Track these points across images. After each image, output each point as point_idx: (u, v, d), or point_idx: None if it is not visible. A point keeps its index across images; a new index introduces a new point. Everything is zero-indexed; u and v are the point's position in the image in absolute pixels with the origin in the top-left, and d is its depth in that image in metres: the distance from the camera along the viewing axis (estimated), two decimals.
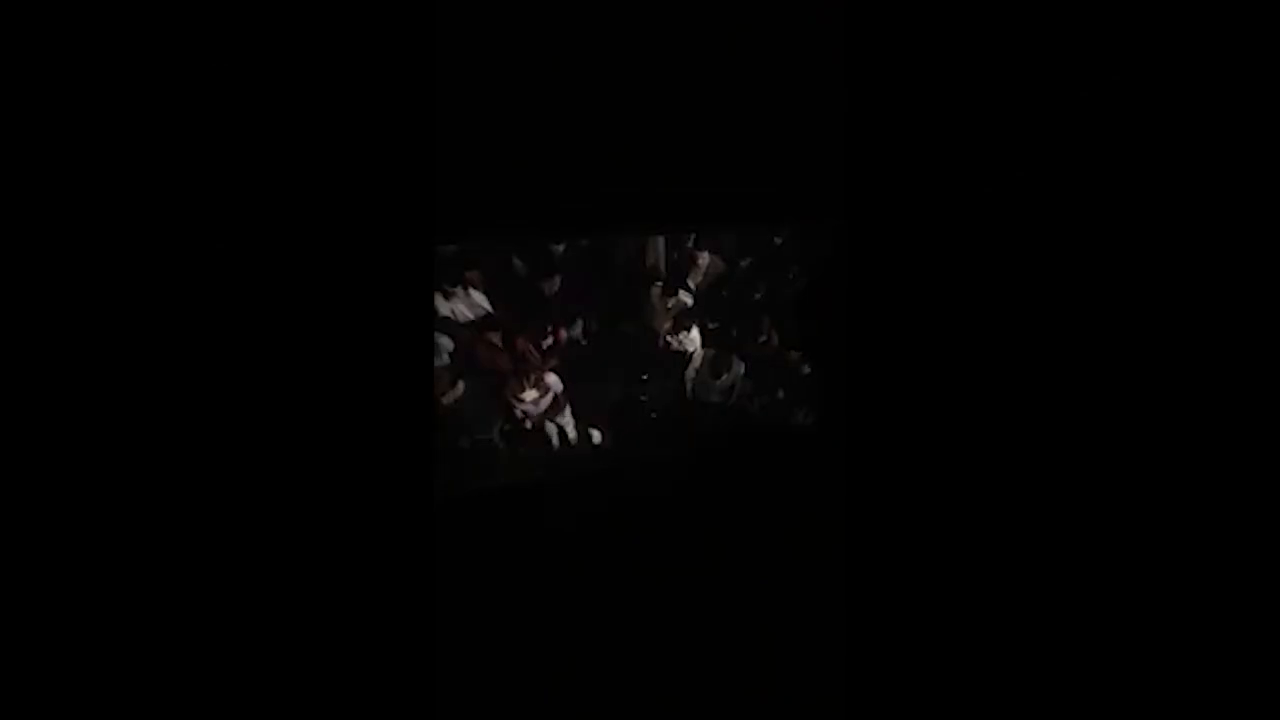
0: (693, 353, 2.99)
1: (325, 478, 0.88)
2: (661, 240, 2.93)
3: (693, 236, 2.97)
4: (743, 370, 3.10)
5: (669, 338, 2.95)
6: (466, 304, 2.56)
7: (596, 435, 2.77)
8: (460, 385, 2.49)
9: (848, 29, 1.07)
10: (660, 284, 2.93)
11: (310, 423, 0.88)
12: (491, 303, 2.62)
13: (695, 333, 3.01)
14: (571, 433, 2.75)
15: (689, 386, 2.98)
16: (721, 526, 1.09)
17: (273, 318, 0.86)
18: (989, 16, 0.87)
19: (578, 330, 2.78)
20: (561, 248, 2.75)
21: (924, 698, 0.85)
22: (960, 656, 0.84)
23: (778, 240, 2.99)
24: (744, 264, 3.03)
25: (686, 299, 2.97)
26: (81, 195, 0.80)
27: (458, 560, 1.91)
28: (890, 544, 0.89)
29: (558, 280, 2.73)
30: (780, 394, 2.95)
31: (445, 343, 2.47)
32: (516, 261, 2.67)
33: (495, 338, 2.59)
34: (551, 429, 2.73)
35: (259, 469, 0.85)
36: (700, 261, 3.01)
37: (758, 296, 3.11)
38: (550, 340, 2.70)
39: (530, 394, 2.63)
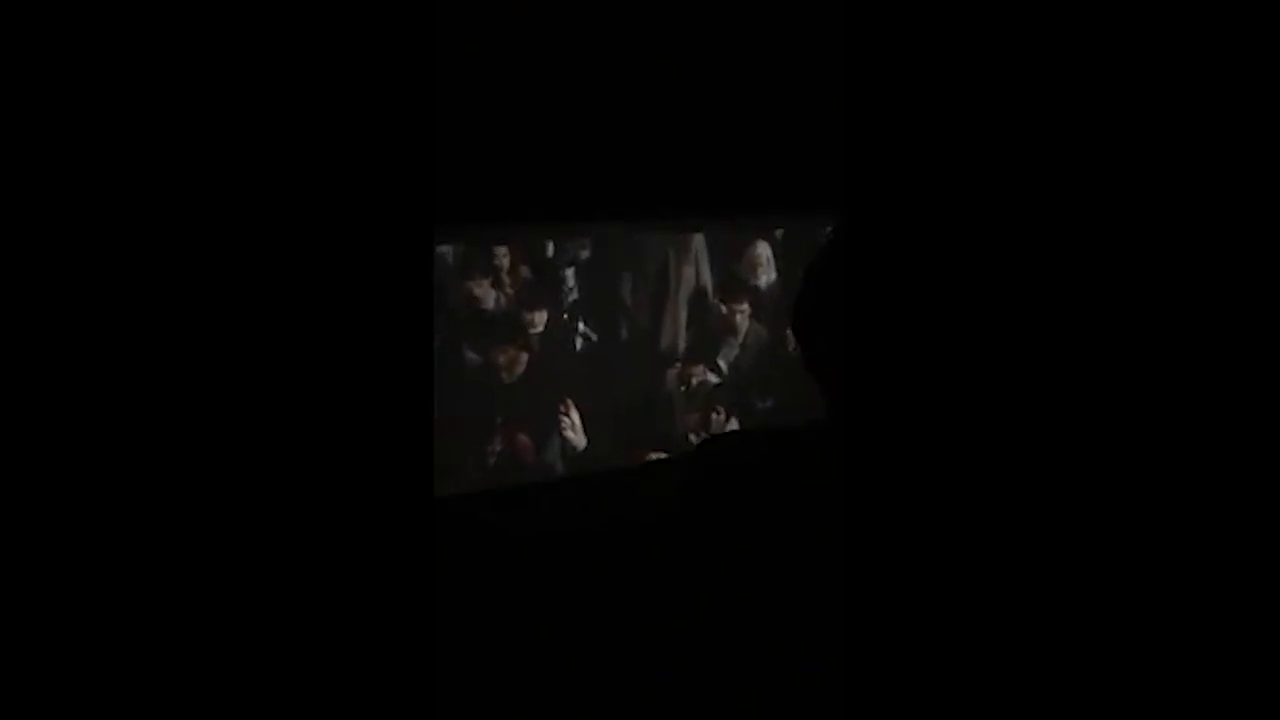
0: None
1: (323, 478, 0.80)
2: (684, 308, 2.24)
3: (720, 303, 2.28)
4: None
5: (692, 437, 2.22)
6: None
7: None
8: None
9: (848, 27, 0.92)
10: (678, 363, 2.21)
11: (308, 423, 0.80)
12: None
13: (734, 426, 2.27)
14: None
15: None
16: (720, 526, 1.03)
17: (268, 317, 0.79)
18: (990, 15, 0.81)
19: (549, 452, 2.10)
20: (542, 327, 2.09)
21: (924, 698, 0.79)
22: (961, 657, 0.78)
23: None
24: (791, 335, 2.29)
25: (712, 378, 2.25)
26: (80, 194, 0.76)
27: (457, 560, 1.92)
28: (890, 544, 0.82)
29: (523, 361, 2.06)
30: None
31: None
32: (470, 355, 2.02)
33: None
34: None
35: (255, 468, 0.79)
36: (737, 322, 2.28)
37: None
38: (498, 445, 2.04)
39: None
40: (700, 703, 0.98)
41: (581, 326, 2.15)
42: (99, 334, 0.75)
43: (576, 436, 2.15)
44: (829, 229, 1.02)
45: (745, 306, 2.31)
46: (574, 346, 2.15)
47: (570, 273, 2.13)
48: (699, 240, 2.28)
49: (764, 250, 2.34)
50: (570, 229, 2.12)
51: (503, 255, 2.05)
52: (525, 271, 2.07)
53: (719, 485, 1.00)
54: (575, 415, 2.14)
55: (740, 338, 2.33)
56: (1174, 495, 0.75)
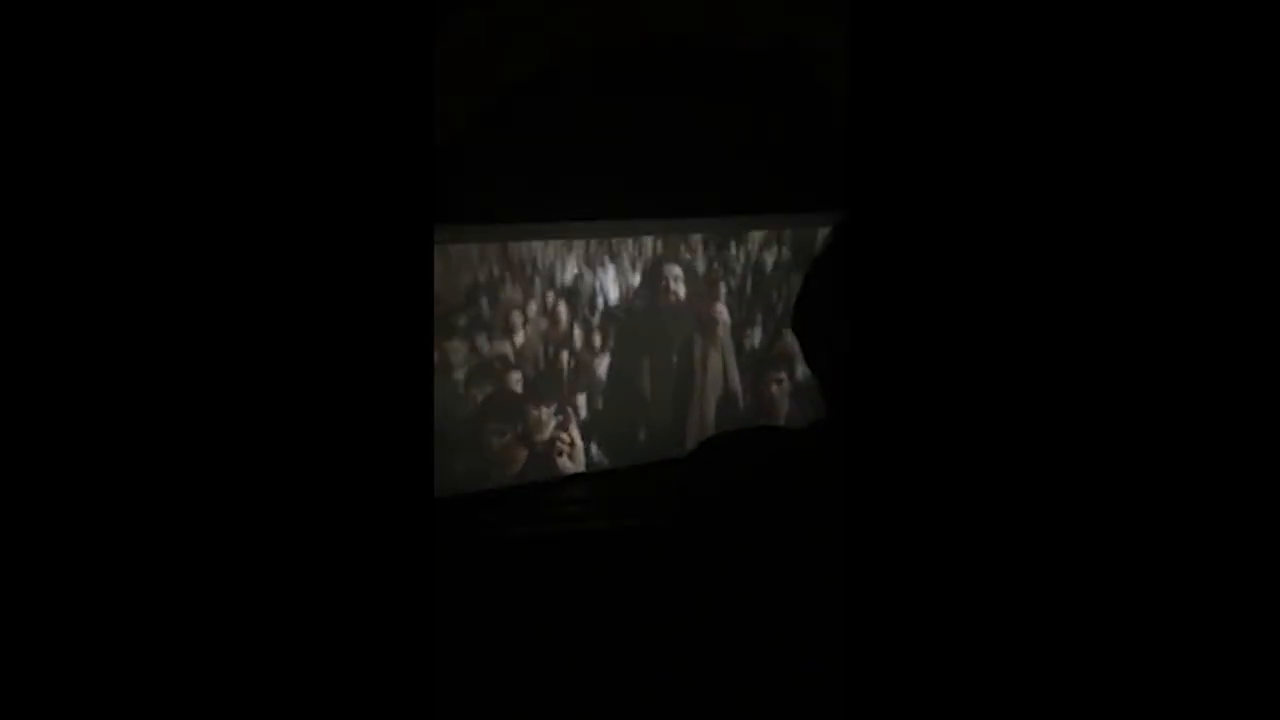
0: None
1: (323, 477, 0.82)
2: (713, 404, 2.17)
3: (745, 376, 2.22)
4: None
5: None
6: None
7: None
8: None
9: (851, 28, 0.92)
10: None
11: (308, 420, 0.82)
12: None
13: None
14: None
15: None
16: (721, 526, 1.05)
17: (266, 315, 0.81)
18: (989, 15, 0.83)
19: None
20: (547, 434, 2.01)
21: (924, 699, 0.80)
22: (961, 657, 0.79)
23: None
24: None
25: None
26: (79, 194, 0.78)
27: (457, 560, 1.96)
28: (890, 544, 0.83)
29: (521, 459, 2.03)
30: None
31: None
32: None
33: None
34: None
35: (252, 465, 0.81)
36: (775, 395, 2.17)
37: None
38: None
39: None
40: (700, 703, 0.98)
41: (595, 450, 2.11)
42: (97, 334, 0.76)
43: (575, 464, 2.11)
44: (829, 229, 1.04)
45: (783, 375, 2.27)
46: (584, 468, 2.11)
47: (583, 399, 2.10)
48: (725, 337, 2.23)
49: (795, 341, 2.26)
50: (566, 229, 2.11)
51: (516, 381, 2.03)
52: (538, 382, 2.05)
53: (719, 485, 1.01)
54: (575, 432, 2.10)
55: (782, 420, 2.26)
56: (1175, 495, 0.75)
